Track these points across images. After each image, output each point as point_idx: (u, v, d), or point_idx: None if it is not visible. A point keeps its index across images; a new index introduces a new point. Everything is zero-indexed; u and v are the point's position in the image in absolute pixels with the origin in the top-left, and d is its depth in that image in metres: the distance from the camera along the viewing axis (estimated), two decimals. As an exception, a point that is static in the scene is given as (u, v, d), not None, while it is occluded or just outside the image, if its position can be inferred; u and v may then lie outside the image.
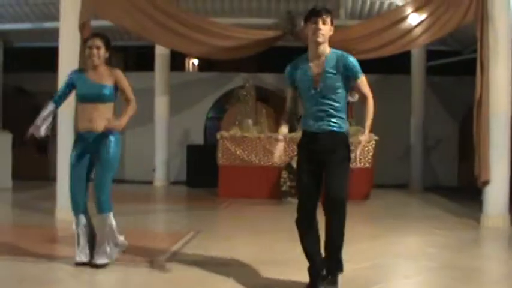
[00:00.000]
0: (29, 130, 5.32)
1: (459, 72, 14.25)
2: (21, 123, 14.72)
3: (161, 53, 13.72)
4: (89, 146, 5.20)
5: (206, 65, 17.83)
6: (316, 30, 4.46)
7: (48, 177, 15.21)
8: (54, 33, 11.68)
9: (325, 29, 4.50)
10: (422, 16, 8.68)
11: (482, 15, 8.03)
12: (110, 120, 5.13)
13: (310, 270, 4.69)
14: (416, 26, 8.80)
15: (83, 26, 8.19)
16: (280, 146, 4.73)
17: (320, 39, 4.48)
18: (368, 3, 12.11)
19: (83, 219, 5.25)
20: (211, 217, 9.08)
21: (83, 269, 5.18)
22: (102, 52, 5.20)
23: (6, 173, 12.43)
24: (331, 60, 4.52)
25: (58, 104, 5.40)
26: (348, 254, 4.94)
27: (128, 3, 8.77)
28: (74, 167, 5.25)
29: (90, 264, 5.19)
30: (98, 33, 5.31)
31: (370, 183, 11.22)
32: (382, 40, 9.16)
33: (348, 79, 4.57)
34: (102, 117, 5.15)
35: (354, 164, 4.86)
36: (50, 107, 5.34)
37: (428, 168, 14.45)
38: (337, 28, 4.87)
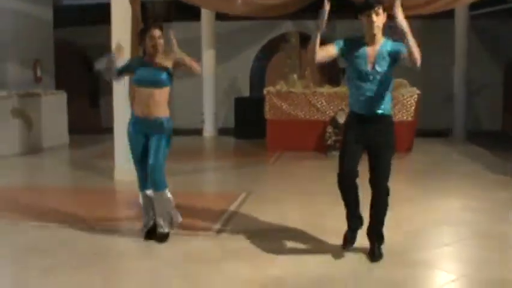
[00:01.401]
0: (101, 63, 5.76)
1: (504, 16, 14.17)
2: (73, 76, 15.56)
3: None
4: (143, 128, 5.59)
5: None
6: (371, 23, 4.84)
7: (101, 128, 16.04)
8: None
9: (379, 20, 4.86)
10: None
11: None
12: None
13: (347, 218, 5.31)
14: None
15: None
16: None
17: (375, 31, 4.87)
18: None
19: (148, 193, 5.74)
20: (261, 175, 9.56)
21: (146, 241, 5.74)
22: (162, 41, 5.54)
23: (64, 130, 13.11)
24: (385, 47, 4.91)
25: (120, 73, 5.75)
26: (388, 220, 5.35)
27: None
28: (134, 149, 5.70)
29: (156, 234, 5.73)
30: (156, 24, 5.62)
31: (412, 136, 11.50)
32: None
33: (397, 59, 4.90)
34: (157, 103, 5.55)
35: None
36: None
37: (472, 114, 14.65)
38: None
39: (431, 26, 14.51)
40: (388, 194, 5.12)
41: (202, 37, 14.32)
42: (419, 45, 4.70)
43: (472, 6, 13.18)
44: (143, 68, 5.57)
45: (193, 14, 14.28)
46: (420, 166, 10.22)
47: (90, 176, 9.38)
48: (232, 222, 6.46)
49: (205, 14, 14.28)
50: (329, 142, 11.21)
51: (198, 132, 14.43)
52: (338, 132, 10.96)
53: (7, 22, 13.21)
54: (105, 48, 16.04)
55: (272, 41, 16.14)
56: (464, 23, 13.79)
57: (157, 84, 5.54)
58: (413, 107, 11.29)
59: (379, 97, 4.97)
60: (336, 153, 10.64)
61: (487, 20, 14.57)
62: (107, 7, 15.62)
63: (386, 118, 5.07)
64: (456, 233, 6.13)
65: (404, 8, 9.54)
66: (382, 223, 5.19)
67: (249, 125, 13.45)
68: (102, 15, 16.86)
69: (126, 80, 8.10)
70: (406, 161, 10.58)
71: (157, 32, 5.53)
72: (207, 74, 14.29)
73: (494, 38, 14.50)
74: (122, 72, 5.75)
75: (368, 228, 5.27)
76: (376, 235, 5.21)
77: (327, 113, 11.50)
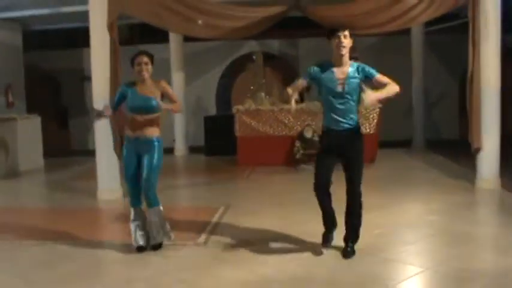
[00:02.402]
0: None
1: (457, 32, 15.03)
2: (42, 99, 15.84)
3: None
4: (137, 149, 6.11)
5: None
6: (340, 44, 5.55)
7: (70, 150, 16.40)
8: (68, 16, 12.66)
9: (347, 42, 5.57)
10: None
11: (473, -2, 8.84)
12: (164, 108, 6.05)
13: (324, 222, 6.01)
14: (415, 6, 9.50)
15: (111, 26, 9.04)
16: (293, 101, 5.85)
17: (343, 52, 5.58)
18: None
19: (139, 211, 6.25)
20: (237, 189, 10.09)
21: (139, 254, 6.22)
22: (150, 67, 6.08)
23: (39, 153, 13.46)
24: (353, 69, 5.62)
25: (115, 109, 6.31)
26: None
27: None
28: (127, 167, 6.20)
29: (149, 247, 6.22)
30: (144, 51, 6.15)
31: (375, 147, 12.18)
32: (384, 17, 9.74)
33: (366, 80, 5.64)
34: (149, 125, 6.09)
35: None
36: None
37: (431, 123, 15.49)
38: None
39: (389, 42, 15.37)
40: (360, 197, 5.82)
41: (171, 59, 14.83)
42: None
43: (427, 23, 13.96)
44: (135, 96, 6.06)
45: (161, 37, 14.78)
46: (384, 175, 10.92)
47: (74, 197, 9.76)
48: (216, 233, 6.99)
49: (174, 37, 14.83)
50: (298, 156, 11.80)
51: (170, 151, 14.88)
52: (305, 146, 11.59)
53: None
54: (71, 71, 16.56)
55: (237, 61, 16.77)
56: (419, 39, 14.65)
57: (148, 110, 6.06)
58: (375, 120, 11.99)
59: (349, 113, 5.66)
60: (305, 167, 11.36)
61: (441, 35, 15.42)
62: (74, 32, 16.06)
63: (356, 130, 5.75)
64: (420, 232, 6.80)
65: (365, 27, 10.31)
66: (359, 223, 5.90)
67: (219, 142, 14.00)
68: (68, 40, 17.40)
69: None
70: (371, 171, 11.16)
71: (144, 59, 6.06)
72: (177, 94, 14.72)
73: (449, 52, 15.34)
74: (117, 105, 6.28)
75: (346, 231, 5.94)
76: (351, 234, 5.88)
77: (295, 128, 12.12)
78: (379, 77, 5.68)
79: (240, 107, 12.58)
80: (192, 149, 15.29)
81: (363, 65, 5.72)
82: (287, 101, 6.03)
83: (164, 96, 6.19)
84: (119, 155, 9.06)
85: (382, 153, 12.51)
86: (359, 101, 5.66)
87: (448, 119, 16.01)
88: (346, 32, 5.58)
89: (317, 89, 5.92)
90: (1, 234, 7.31)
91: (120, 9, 9.13)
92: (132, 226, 6.32)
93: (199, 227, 7.19)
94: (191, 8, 9.94)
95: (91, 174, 9.80)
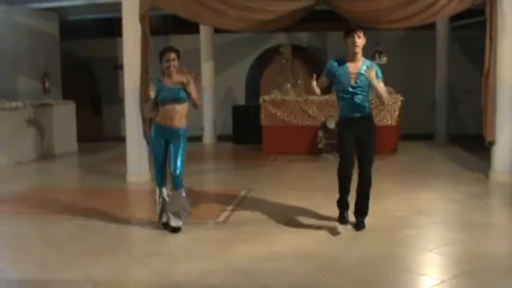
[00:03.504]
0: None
1: (482, 28, 15.14)
2: (77, 86, 16.44)
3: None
4: (166, 136, 6.61)
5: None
6: (354, 44, 6.22)
7: (103, 136, 17.00)
8: (103, 7, 13.17)
9: (360, 41, 6.24)
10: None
11: (491, -4, 9.09)
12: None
13: (340, 203, 6.55)
14: (438, 0, 9.76)
15: (142, 18, 9.51)
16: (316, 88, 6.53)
17: (357, 50, 6.26)
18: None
19: (164, 190, 6.74)
20: (260, 175, 10.46)
21: (162, 230, 6.70)
22: (177, 63, 6.57)
23: (73, 138, 14.07)
24: (364, 65, 6.28)
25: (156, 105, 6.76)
26: (373, 209, 6.76)
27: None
28: (156, 152, 6.70)
29: (169, 227, 6.66)
30: (171, 48, 6.63)
31: (397, 139, 12.51)
32: (408, 12, 9.95)
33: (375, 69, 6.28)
34: (177, 115, 6.58)
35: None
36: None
37: (456, 118, 15.68)
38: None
39: (415, 36, 15.59)
40: (371, 179, 6.51)
41: (201, 50, 15.27)
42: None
43: (452, 18, 14.16)
44: (164, 89, 6.55)
45: (192, 28, 15.20)
46: (404, 165, 11.27)
47: (105, 179, 10.30)
48: (235, 214, 7.44)
49: (204, 28, 15.24)
50: (320, 145, 12.17)
51: (199, 139, 15.32)
52: (328, 136, 11.95)
53: (18, 38, 14.16)
54: (106, 60, 17.12)
55: (266, 52, 17.16)
56: (445, 34, 14.81)
57: (177, 100, 6.55)
58: (397, 113, 12.30)
59: (361, 103, 6.32)
60: (326, 156, 11.74)
61: (466, 31, 15.58)
62: (109, 22, 16.60)
63: (368, 118, 6.46)
64: (430, 218, 7.15)
65: (389, 21, 10.58)
66: (369, 198, 6.57)
67: (246, 131, 14.45)
68: (104, 30, 17.98)
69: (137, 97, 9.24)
70: (391, 161, 11.59)
71: (172, 55, 6.55)
72: (207, 85, 15.26)
73: (474, 48, 15.46)
74: (156, 104, 6.70)
75: (355, 205, 6.61)
76: (363, 209, 6.57)
77: (318, 119, 12.48)
78: (381, 83, 6.32)
79: (266, 97, 12.98)
80: (220, 138, 15.73)
81: (374, 64, 6.38)
82: (313, 92, 6.67)
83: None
84: (148, 141, 9.56)
85: (404, 145, 12.81)
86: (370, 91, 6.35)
87: (473, 114, 16.13)
88: (360, 33, 6.23)
89: (333, 83, 6.60)
90: (36, 209, 7.89)
91: (151, 1, 9.57)
92: (158, 205, 6.81)
93: (220, 208, 7.65)
94: (220, 1, 10.30)
95: (122, 159, 10.30)
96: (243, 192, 8.63)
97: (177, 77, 6.56)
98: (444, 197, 8.24)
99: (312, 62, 16.77)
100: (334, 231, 6.40)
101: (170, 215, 6.66)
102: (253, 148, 13.48)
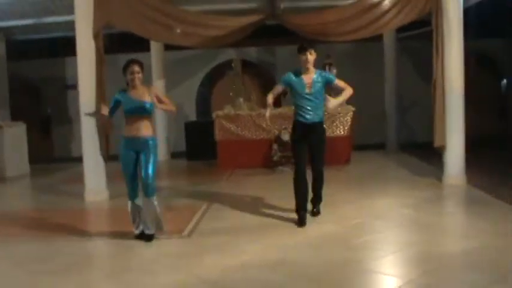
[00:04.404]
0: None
1: (429, 38, 15.58)
2: (24, 107, 16.15)
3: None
4: (134, 148, 6.65)
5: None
6: (306, 60, 7.20)
7: (53, 157, 16.75)
8: (52, 26, 13.06)
9: (312, 58, 7.23)
10: (389, 5, 9.96)
11: (437, 7, 9.43)
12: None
13: (299, 209, 7.32)
14: (385, 13, 10.04)
15: (96, 35, 9.51)
16: (268, 110, 7.54)
17: (309, 66, 7.24)
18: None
19: (135, 203, 6.79)
20: (218, 189, 10.48)
21: (129, 245, 6.72)
22: (141, 75, 6.66)
23: (24, 160, 13.80)
24: (316, 75, 7.26)
25: (111, 115, 6.80)
26: (331, 217, 7.40)
27: (131, 9, 10.01)
28: (126, 165, 6.71)
29: (144, 236, 6.77)
30: (134, 60, 6.70)
31: (350, 149, 12.79)
32: (357, 24, 10.26)
33: (327, 84, 7.34)
34: (144, 126, 6.65)
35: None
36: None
37: (406, 127, 16.10)
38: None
39: (363, 49, 15.98)
40: (323, 173, 7.56)
41: (152, 67, 15.28)
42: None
43: (399, 29, 14.55)
44: (129, 100, 6.63)
45: (141, 46, 15.20)
46: (358, 174, 11.53)
47: (62, 199, 10.14)
48: (199, 227, 7.50)
49: (154, 46, 15.28)
50: (275, 158, 12.33)
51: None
52: (282, 149, 12.12)
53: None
54: (54, 79, 16.92)
55: (216, 68, 17.30)
56: (392, 45, 15.22)
57: (142, 112, 6.64)
58: (349, 123, 12.58)
59: (315, 110, 7.27)
60: (282, 168, 11.90)
61: (413, 42, 16.02)
62: (57, 41, 16.42)
63: (321, 124, 7.44)
64: (387, 223, 7.41)
65: (338, 34, 10.86)
66: (321, 190, 7.71)
67: (200, 147, 14.48)
68: (52, 49, 17.77)
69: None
70: (345, 171, 11.84)
71: (136, 68, 6.63)
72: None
73: (421, 58, 15.88)
74: (113, 111, 6.77)
75: (312, 197, 7.70)
76: (318, 199, 7.72)
77: (272, 132, 12.65)
78: (337, 82, 7.39)
79: (220, 112, 13.08)
80: (174, 155, 15.74)
81: (324, 72, 7.63)
82: (266, 106, 7.53)
83: (157, 100, 6.70)
84: (105, 157, 9.57)
85: (356, 155, 13.11)
86: (324, 101, 7.25)
87: (422, 122, 16.59)
88: (312, 50, 7.21)
89: (290, 93, 7.48)
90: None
91: (105, 18, 9.60)
92: (131, 217, 6.88)
93: (183, 222, 7.69)
94: (171, 17, 10.38)
95: (77, 178, 10.24)
96: (203, 207, 8.68)
97: (141, 89, 6.66)
98: (399, 202, 8.51)
99: (262, 76, 17.01)
100: (292, 240, 6.65)
101: (144, 224, 6.79)
102: (208, 164, 13.54)
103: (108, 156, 9.76)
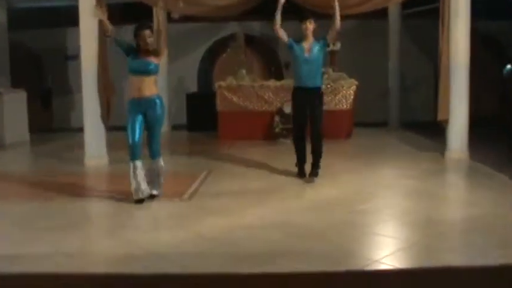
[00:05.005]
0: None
1: (434, 16, 15.44)
2: (26, 78, 16.06)
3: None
4: (140, 108, 6.66)
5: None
6: (306, 28, 7.84)
7: (52, 128, 16.65)
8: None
9: (311, 27, 7.86)
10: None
11: (444, -22, 9.34)
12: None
13: (299, 163, 8.05)
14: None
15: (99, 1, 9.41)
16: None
17: (308, 33, 7.86)
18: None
19: (139, 163, 6.72)
20: (218, 159, 10.37)
21: (129, 206, 6.69)
22: (152, 39, 6.67)
23: (24, 127, 13.70)
24: (314, 42, 7.88)
25: (116, 40, 6.74)
26: (334, 184, 7.46)
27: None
28: (132, 125, 6.68)
29: (149, 196, 6.79)
30: (145, 25, 6.74)
31: (351, 123, 12.69)
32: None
33: (324, 46, 7.99)
34: (148, 86, 6.65)
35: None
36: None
37: (408, 106, 15.99)
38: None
39: (367, 26, 15.82)
40: (322, 136, 7.93)
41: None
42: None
43: (404, 5, 14.46)
44: (136, 60, 6.64)
45: (145, 18, 15.03)
46: (359, 148, 11.45)
47: (62, 164, 10.07)
48: (199, 192, 7.45)
49: (157, 18, 15.08)
50: (277, 130, 12.24)
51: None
52: (284, 121, 12.04)
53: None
54: (55, 50, 16.78)
55: (218, 42, 17.14)
56: (396, 23, 15.08)
57: (147, 73, 6.65)
58: (352, 97, 12.48)
59: (314, 74, 7.85)
60: (283, 140, 11.82)
61: (418, 19, 15.84)
62: (59, 10, 16.26)
63: (319, 88, 7.97)
64: (390, 191, 7.42)
65: (344, 7, 10.79)
66: (321, 155, 7.96)
67: (201, 118, 14.40)
68: (52, 19, 17.61)
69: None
70: (347, 144, 11.78)
71: (147, 33, 6.63)
72: (161, 73, 15.07)
73: (426, 36, 15.77)
74: (120, 44, 6.71)
75: (313, 160, 7.97)
76: (317, 162, 7.94)
77: (274, 104, 12.56)
78: (328, 35, 7.91)
79: (222, 83, 12.97)
80: (175, 127, 15.64)
81: (319, 38, 7.94)
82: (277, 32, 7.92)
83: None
84: (105, 121, 9.50)
85: (358, 130, 12.99)
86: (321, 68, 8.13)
87: (424, 101, 16.49)
88: (311, 20, 7.87)
89: (292, 58, 8.09)
90: None
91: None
92: (132, 180, 6.74)
93: (183, 186, 7.64)
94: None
95: (78, 146, 10.20)
96: (203, 174, 8.60)
97: (150, 51, 6.67)
98: (402, 173, 8.45)
99: (264, 50, 16.85)
100: (294, 204, 6.78)
101: (150, 184, 6.84)
102: (208, 135, 13.45)
103: (109, 126, 9.74)
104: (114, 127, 9.91)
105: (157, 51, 6.75)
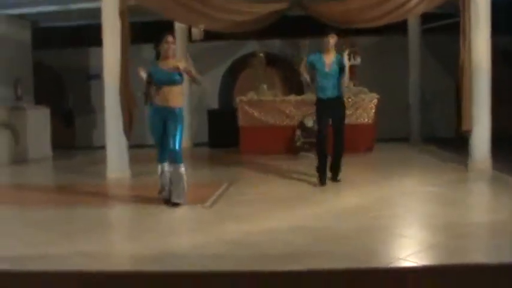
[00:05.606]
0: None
1: (453, 31, 15.41)
2: (49, 96, 16.21)
3: (180, 26, 14.91)
4: (163, 116, 6.86)
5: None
6: (327, 43, 8.16)
7: (74, 146, 16.78)
8: (77, 13, 13.12)
9: (332, 41, 8.18)
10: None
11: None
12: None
13: (320, 169, 8.18)
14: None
15: (122, 13, 9.52)
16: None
17: (330, 47, 8.19)
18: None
19: (165, 166, 6.96)
20: (240, 171, 10.46)
21: (151, 212, 6.71)
22: (175, 46, 6.93)
23: (47, 143, 13.88)
24: (335, 58, 8.18)
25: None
26: (356, 192, 7.47)
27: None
28: (154, 131, 6.99)
29: (170, 203, 6.87)
30: (170, 32, 6.99)
31: (373, 137, 12.63)
32: (381, 11, 10.21)
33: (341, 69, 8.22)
34: (173, 96, 6.82)
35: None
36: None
37: (428, 121, 15.90)
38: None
39: (387, 41, 15.82)
40: (344, 145, 8.26)
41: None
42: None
43: (423, 21, 14.47)
44: (160, 71, 6.81)
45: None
46: (382, 160, 11.44)
47: (84, 177, 10.12)
48: (221, 200, 7.47)
49: (178, 36, 15.20)
50: (298, 144, 12.23)
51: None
52: (306, 134, 12.04)
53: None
54: (77, 70, 16.95)
55: (239, 60, 17.22)
56: (416, 38, 15.09)
57: (172, 83, 6.82)
58: (373, 111, 12.45)
59: (334, 86, 8.16)
60: (305, 154, 11.80)
61: (438, 35, 15.83)
62: (81, 30, 16.44)
63: (340, 99, 8.32)
64: (413, 198, 7.41)
65: (362, 21, 10.84)
66: (341, 159, 8.29)
67: (222, 134, 14.44)
68: (74, 39, 17.82)
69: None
70: (368, 158, 11.73)
71: (171, 38, 6.87)
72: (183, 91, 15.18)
73: (444, 51, 15.73)
74: (149, 83, 6.89)
75: (332, 165, 8.31)
76: (338, 168, 8.29)
77: (295, 118, 12.57)
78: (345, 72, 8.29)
79: (243, 98, 13.03)
80: (197, 144, 15.64)
81: (340, 56, 8.20)
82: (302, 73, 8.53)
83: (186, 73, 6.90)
84: (127, 134, 9.56)
85: (379, 145, 12.91)
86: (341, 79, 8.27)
87: (445, 117, 16.40)
88: (333, 34, 8.20)
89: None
90: (16, 200, 7.82)
91: (130, -3, 9.62)
92: (159, 179, 7.08)
93: (206, 195, 7.63)
94: (197, 1, 10.40)
95: (100, 161, 10.32)
96: (225, 183, 8.61)
97: (173, 61, 6.81)
98: (426, 182, 8.43)
99: (285, 68, 16.88)
100: (315, 211, 6.67)
101: (172, 190, 6.93)
102: (230, 151, 13.46)
103: (131, 143, 9.88)
104: (136, 145, 9.99)
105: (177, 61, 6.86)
